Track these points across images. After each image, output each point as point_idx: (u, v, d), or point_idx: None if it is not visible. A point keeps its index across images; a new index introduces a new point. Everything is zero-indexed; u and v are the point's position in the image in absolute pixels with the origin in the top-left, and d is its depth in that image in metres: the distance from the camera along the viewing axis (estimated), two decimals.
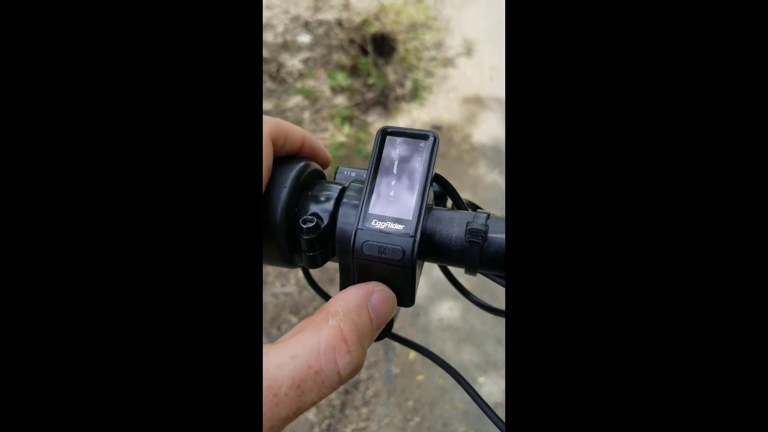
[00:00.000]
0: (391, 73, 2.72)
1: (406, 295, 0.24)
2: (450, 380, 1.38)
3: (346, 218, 0.25)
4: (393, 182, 0.25)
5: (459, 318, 1.51)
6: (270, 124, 0.24)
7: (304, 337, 0.20)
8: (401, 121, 2.50)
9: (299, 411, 0.19)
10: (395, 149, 0.26)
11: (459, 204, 0.28)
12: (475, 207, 0.34)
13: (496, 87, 2.78)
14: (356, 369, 0.21)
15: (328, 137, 2.33)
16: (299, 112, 2.47)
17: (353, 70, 2.69)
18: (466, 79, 2.86)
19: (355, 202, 0.25)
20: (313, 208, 0.25)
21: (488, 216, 0.25)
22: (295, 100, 2.54)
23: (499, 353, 1.44)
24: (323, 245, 0.25)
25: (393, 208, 0.24)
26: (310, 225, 0.24)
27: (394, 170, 0.25)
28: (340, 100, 2.56)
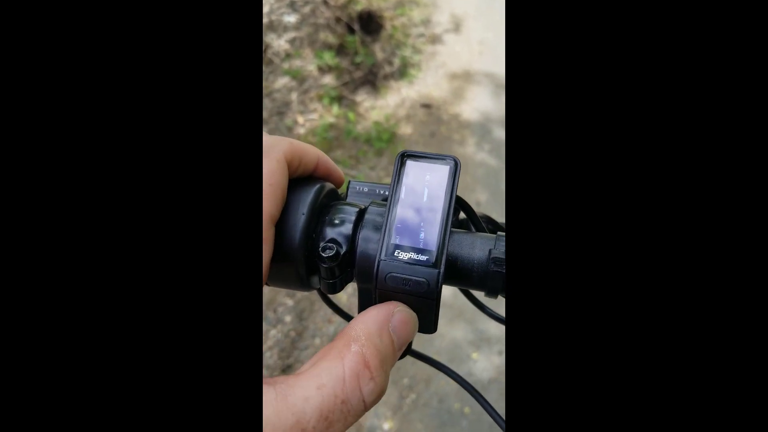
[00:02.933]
0: (379, 51, 2.68)
1: (429, 324, 0.24)
2: (443, 358, 1.41)
3: (367, 244, 0.24)
4: (414, 209, 0.24)
5: (451, 296, 1.54)
6: (284, 145, 0.24)
7: (327, 365, 0.20)
8: (390, 100, 2.47)
9: None
10: (416, 174, 0.25)
11: (477, 225, 0.28)
12: (489, 221, 0.33)
13: (486, 62, 2.75)
14: (380, 395, 0.21)
15: (317, 118, 2.31)
16: (287, 93, 2.44)
17: (340, 49, 2.65)
18: (454, 55, 2.82)
19: (374, 225, 0.25)
20: (331, 233, 0.25)
21: None
22: (283, 81, 2.50)
23: (491, 330, 1.47)
24: (343, 272, 0.25)
25: (416, 237, 0.24)
26: (331, 254, 0.24)
27: (415, 196, 0.24)
28: (328, 79, 2.53)
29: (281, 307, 1.55)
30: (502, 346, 1.42)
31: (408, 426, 1.29)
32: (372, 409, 1.35)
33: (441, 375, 1.37)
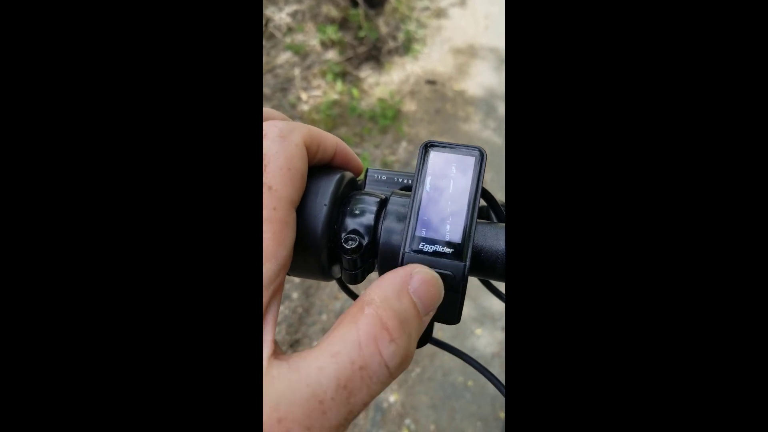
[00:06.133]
0: (383, 25, 2.63)
1: (453, 315, 0.24)
2: (447, 334, 1.44)
3: (390, 235, 0.24)
4: (439, 201, 0.24)
5: None
6: (303, 130, 0.23)
7: (341, 332, 0.18)
8: (395, 76, 2.44)
9: (350, 415, 0.18)
10: (440, 165, 0.25)
11: (500, 216, 0.28)
12: None
13: (492, 36, 2.70)
14: (405, 359, 0.19)
15: (321, 95, 2.29)
16: (289, 69, 2.41)
17: (343, 23, 2.60)
18: (460, 30, 2.76)
19: (397, 216, 0.25)
20: (352, 223, 0.25)
21: None
22: (285, 56, 2.47)
23: (494, 306, 1.49)
24: (364, 263, 0.25)
25: (441, 230, 0.23)
26: (353, 245, 0.24)
27: (440, 188, 0.24)
28: (331, 54, 2.49)
29: (288, 284, 1.57)
30: (504, 323, 1.45)
31: (413, 399, 1.33)
32: None
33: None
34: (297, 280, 1.58)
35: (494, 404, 1.31)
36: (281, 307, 1.52)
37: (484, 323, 1.46)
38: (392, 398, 1.33)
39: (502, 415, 1.29)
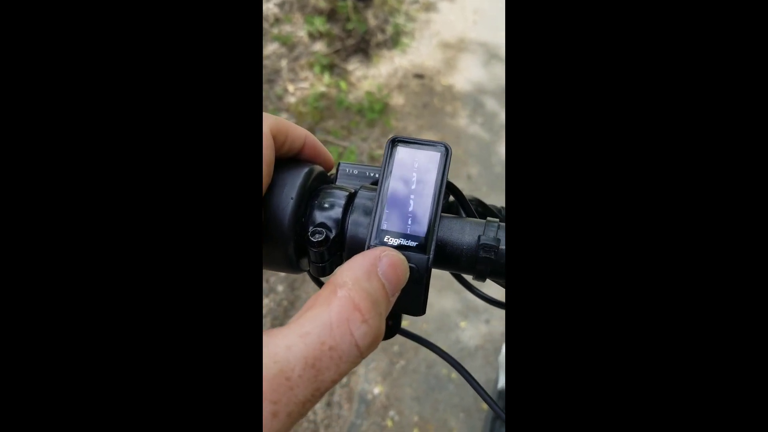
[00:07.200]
0: (372, 18, 2.61)
1: (417, 306, 0.24)
2: (432, 326, 1.45)
3: (357, 228, 0.25)
4: (404, 195, 0.24)
5: None
6: (270, 120, 0.23)
7: (313, 313, 0.19)
8: (383, 69, 2.43)
9: (318, 392, 0.18)
10: (406, 160, 0.25)
11: (467, 211, 0.29)
12: (479, 204, 0.33)
13: (481, 31, 2.70)
14: (375, 339, 0.20)
15: (308, 87, 2.27)
16: (276, 60, 2.38)
17: (331, 14, 2.57)
18: (449, 24, 2.76)
19: (364, 210, 0.25)
20: (320, 217, 0.25)
21: (498, 227, 0.25)
22: (272, 47, 2.44)
23: (479, 300, 1.51)
24: (332, 255, 0.25)
25: (405, 223, 0.24)
26: (320, 238, 0.24)
27: (405, 182, 0.25)
28: (319, 46, 2.47)
29: (273, 276, 1.57)
30: (489, 315, 1.47)
31: (398, 390, 1.34)
32: (363, 374, 1.39)
33: None
34: (283, 273, 1.57)
35: (477, 396, 1.33)
36: (266, 300, 1.51)
37: (468, 316, 1.48)
38: (376, 390, 1.34)
39: (485, 406, 1.31)
